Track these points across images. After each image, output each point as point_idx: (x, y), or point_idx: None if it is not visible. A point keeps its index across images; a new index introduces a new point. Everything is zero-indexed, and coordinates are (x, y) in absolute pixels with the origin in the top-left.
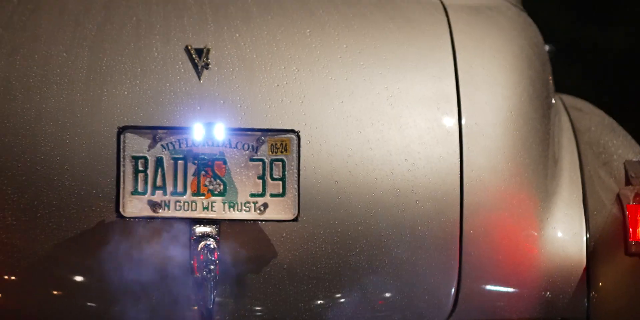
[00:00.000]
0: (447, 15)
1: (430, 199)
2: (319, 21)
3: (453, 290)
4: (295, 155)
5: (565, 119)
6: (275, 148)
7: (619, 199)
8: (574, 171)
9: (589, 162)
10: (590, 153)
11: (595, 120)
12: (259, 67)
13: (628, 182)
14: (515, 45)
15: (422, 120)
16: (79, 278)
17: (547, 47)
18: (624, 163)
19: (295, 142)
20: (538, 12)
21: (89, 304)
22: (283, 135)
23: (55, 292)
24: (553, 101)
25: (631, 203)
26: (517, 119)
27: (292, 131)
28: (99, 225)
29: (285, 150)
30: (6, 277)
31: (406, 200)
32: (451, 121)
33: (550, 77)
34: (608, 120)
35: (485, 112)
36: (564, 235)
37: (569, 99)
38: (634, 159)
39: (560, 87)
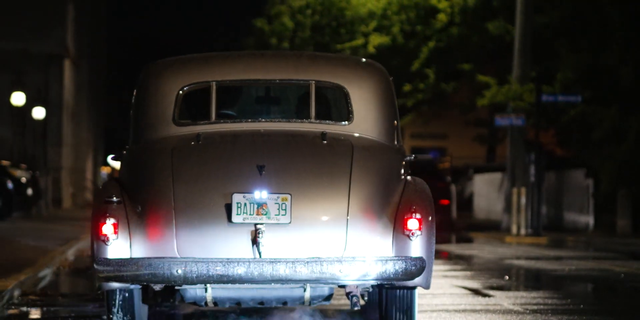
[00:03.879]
0: (352, 151)
1: (338, 204)
2: (301, 151)
3: (345, 242)
4: (290, 201)
5: (402, 184)
6: (282, 199)
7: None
8: (397, 203)
9: (404, 201)
10: (405, 200)
11: (412, 186)
12: (281, 171)
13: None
14: (381, 165)
15: (334, 187)
16: (220, 241)
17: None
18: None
19: (290, 197)
20: None
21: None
22: (286, 195)
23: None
24: (402, 179)
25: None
26: (372, 192)
27: (289, 193)
28: (225, 225)
29: (286, 200)
30: (187, 249)
31: (329, 204)
32: (345, 187)
33: (402, 171)
34: (419, 185)
35: (361, 186)
36: (385, 221)
37: (410, 177)
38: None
39: None
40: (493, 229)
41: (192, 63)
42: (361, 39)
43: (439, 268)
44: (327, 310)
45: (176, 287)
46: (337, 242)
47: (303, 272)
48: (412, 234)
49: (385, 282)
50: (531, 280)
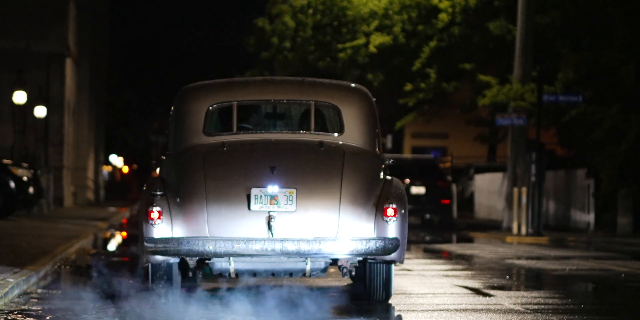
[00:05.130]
0: (343, 156)
1: (333, 196)
2: (304, 155)
3: (338, 225)
4: (295, 194)
5: (382, 182)
6: (290, 192)
7: (384, 204)
8: (378, 196)
9: (383, 194)
10: (384, 193)
11: (390, 183)
12: (289, 171)
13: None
14: (365, 167)
15: (330, 183)
16: (241, 224)
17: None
18: (387, 195)
19: (295, 191)
20: None
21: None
22: (292, 189)
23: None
24: (381, 177)
25: (383, 206)
26: (359, 187)
27: (295, 188)
28: (245, 212)
29: (293, 193)
30: (221, 233)
31: (325, 196)
32: (338, 184)
33: (382, 172)
34: (395, 182)
35: (350, 183)
36: (369, 209)
37: (389, 176)
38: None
39: None
40: (494, 228)
41: (218, 87)
42: (362, 39)
43: (439, 267)
44: (324, 287)
45: (206, 261)
46: (332, 225)
47: (305, 248)
48: (390, 219)
49: (369, 257)
50: (532, 280)
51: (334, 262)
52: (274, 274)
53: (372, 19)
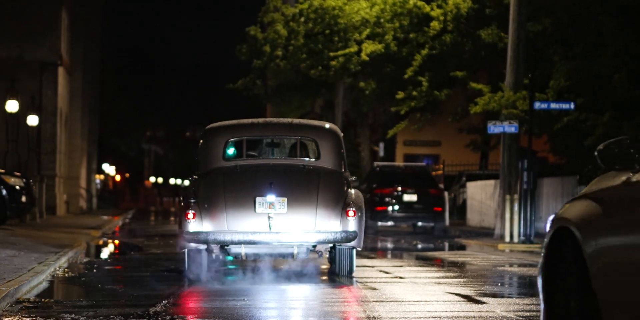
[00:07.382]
0: (319, 175)
1: (312, 202)
2: (293, 174)
3: (315, 222)
4: (287, 201)
5: (346, 192)
6: (282, 200)
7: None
8: (343, 202)
9: (346, 201)
10: (347, 200)
11: (351, 194)
12: (282, 185)
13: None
14: (335, 182)
15: (310, 194)
16: (249, 222)
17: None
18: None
19: (286, 199)
20: None
21: (256, 228)
22: (284, 197)
23: (250, 221)
24: (346, 190)
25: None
26: (330, 196)
27: (286, 197)
28: (252, 213)
29: (285, 200)
30: (234, 226)
31: (307, 203)
32: (315, 194)
33: (346, 186)
34: (355, 192)
35: (323, 193)
36: (337, 211)
37: (351, 189)
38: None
39: None
40: (486, 235)
41: (232, 127)
42: (354, 47)
43: (431, 275)
44: (306, 266)
45: (225, 247)
46: (311, 222)
47: (293, 238)
48: (351, 218)
49: (337, 244)
50: (524, 287)
51: (313, 248)
52: (272, 256)
53: (363, 27)
